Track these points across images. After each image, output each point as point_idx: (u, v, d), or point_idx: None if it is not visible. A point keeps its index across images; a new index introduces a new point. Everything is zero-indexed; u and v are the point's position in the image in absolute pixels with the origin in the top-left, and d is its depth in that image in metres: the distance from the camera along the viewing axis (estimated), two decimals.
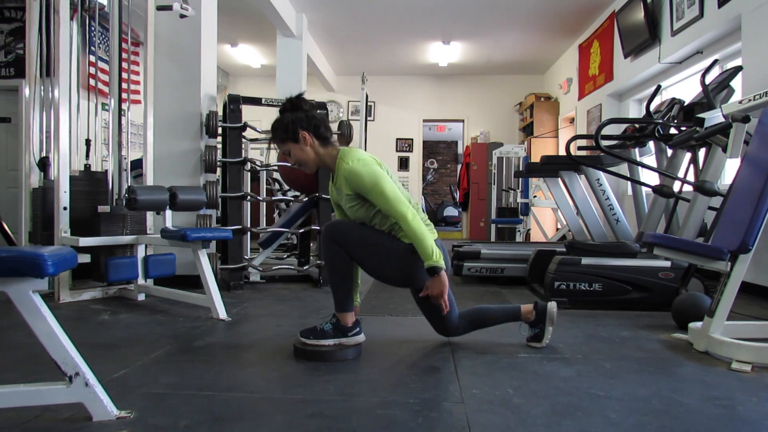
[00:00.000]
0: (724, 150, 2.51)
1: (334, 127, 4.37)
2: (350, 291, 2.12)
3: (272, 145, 2.32)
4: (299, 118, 2.05)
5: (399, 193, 1.99)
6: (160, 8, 3.71)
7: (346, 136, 4.21)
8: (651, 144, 3.98)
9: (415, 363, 2.04)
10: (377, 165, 2.03)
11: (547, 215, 8.23)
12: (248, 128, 3.96)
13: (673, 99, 3.79)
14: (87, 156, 3.86)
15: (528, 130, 9.15)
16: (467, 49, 8.38)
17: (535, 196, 7.04)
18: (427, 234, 1.97)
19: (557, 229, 7.30)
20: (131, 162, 3.83)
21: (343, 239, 2.05)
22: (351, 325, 2.11)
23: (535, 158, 7.53)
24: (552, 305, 2.23)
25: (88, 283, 3.52)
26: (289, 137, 2.06)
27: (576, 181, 4.23)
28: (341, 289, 2.10)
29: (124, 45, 3.64)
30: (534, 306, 2.23)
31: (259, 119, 4.12)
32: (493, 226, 8.15)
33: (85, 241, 3.12)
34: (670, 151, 3.70)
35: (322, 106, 4.22)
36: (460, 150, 13.56)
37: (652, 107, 3.74)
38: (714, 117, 2.88)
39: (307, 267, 4.13)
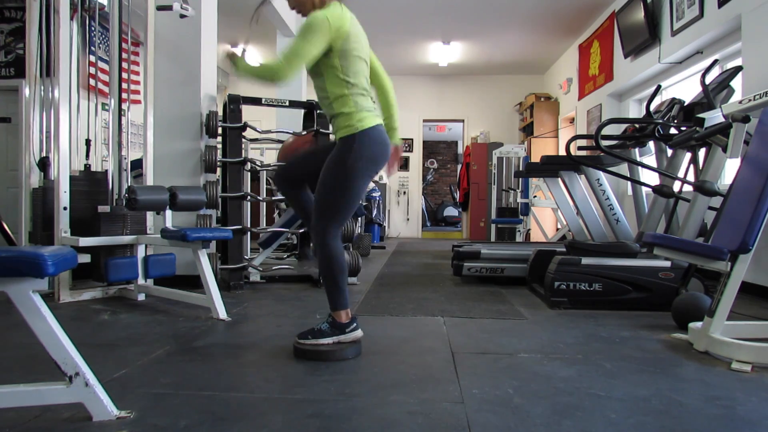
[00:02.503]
0: (724, 150, 2.51)
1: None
2: (344, 287, 2.13)
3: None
4: None
5: (302, 52, 1.95)
6: (160, 8, 3.71)
7: None
8: (651, 144, 3.98)
9: (415, 363, 2.04)
10: (326, 23, 1.97)
11: (547, 215, 8.23)
12: (248, 128, 3.96)
13: (673, 99, 3.79)
14: (87, 156, 3.86)
15: (528, 130, 9.15)
16: (467, 49, 8.38)
17: (535, 196, 7.04)
18: (255, 73, 2.00)
19: (557, 229, 7.30)
20: (131, 162, 3.83)
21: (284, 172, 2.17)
22: (347, 322, 2.12)
23: (535, 158, 7.53)
24: (360, 333, 2.15)
25: (88, 283, 3.52)
26: None
27: (576, 181, 4.23)
28: (334, 285, 2.12)
29: (124, 45, 3.64)
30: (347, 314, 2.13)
31: (259, 119, 4.13)
32: (493, 226, 8.15)
33: (85, 241, 3.12)
34: (670, 151, 3.70)
35: None
36: (460, 150, 13.56)
37: (652, 107, 3.74)
38: (714, 117, 2.88)
39: (307, 267, 4.12)
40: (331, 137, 2.19)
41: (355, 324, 2.14)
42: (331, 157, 2.06)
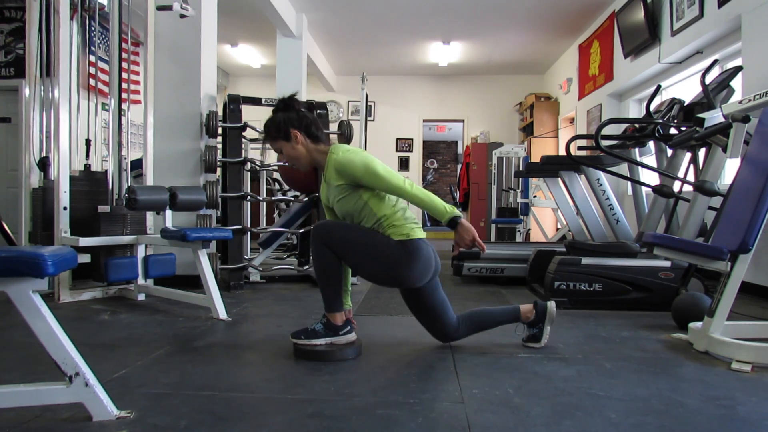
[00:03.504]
0: (724, 150, 2.51)
1: (333, 127, 4.39)
2: (339, 291, 2.13)
3: (266, 145, 2.36)
4: (290, 118, 2.09)
5: (391, 170, 2.01)
6: (160, 8, 3.71)
7: (345, 135, 4.22)
8: (651, 144, 3.98)
9: (415, 363, 2.04)
10: (362, 152, 2.05)
11: (547, 215, 8.23)
12: (248, 128, 3.96)
13: (673, 99, 3.79)
14: (87, 156, 3.86)
15: (528, 130, 9.15)
16: (467, 49, 8.38)
17: (535, 196, 7.04)
18: (431, 195, 1.98)
19: (557, 229, 7.30)
20: (131, 162, 3.83)
21: (330, 238, 2.04)
22: (341, 324, 2.12)
23: (535, 158, 7.53)
24: (552, 305, 2.24)
25: (88, 283, 3.52)
26: (280, 136, 2.10)
27: (576, 181, 4.23)
28: (330, 289, 2.11)
29: (124, 45, 3.64)
30: (534, 305, 2.23)
31: (259, 119, 4.10)
32: (493, 226, 8.15)
33: (85, 241, 3.12)
34: (670, 151, 3.70)
35: (322, 106, 4.22)
36: (460, 150, 13.56)
37: (652, 107, 3.74)
38: (714, 117, 2.88)
39: (307, 267, 4.13)
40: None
41: (349, 327, 2.13)
42: (384, 254, 2.04)
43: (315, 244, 2.07)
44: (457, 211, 1.98)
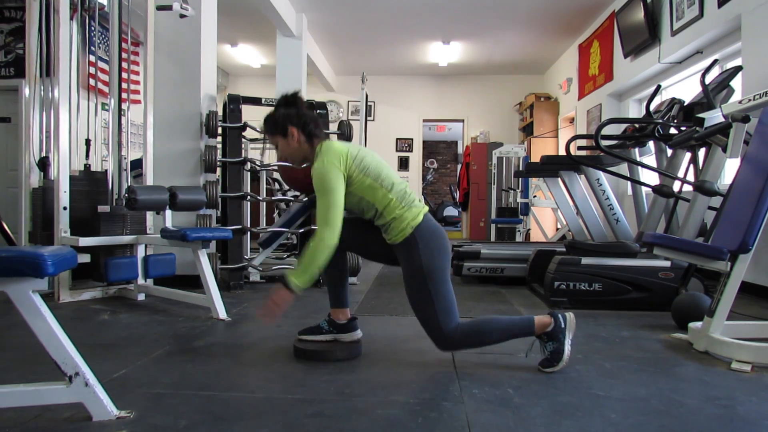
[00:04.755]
0: (724, 150, 2.51)
1: (333, 127, 4.39)
2: (343, 288, 2.14)
3: (266, 145, 2.35)
4: (290, 115, 2.10)
5: (335, 215, 1.93)
6: (160, 8, 3.71)
7: (345, 135, 4.21)
8: (651, 144, 3.98)
9: (415, 363, 2.04)
10: (335, 169, 1.95)
11: (547, 215, 8.23)
12: (248, 128, 3.96)
13: (673, 99, 3.79)
14: (87, 156, 3.86)
15: (528, 130, 9.15)
16: (467, 49, 8.38)
17: (535, 196, 7.04)
18: (314, 263, 1.88)
19: (557, 229, 7.30)
20: (131, 162, 3.83)
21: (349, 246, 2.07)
22: (346, 322, 2.14)
23: (535, 158, 7.53)
24: (572, 316, 1.97)
25: (88, 283, 3.52)
26: (278, 131, 2.11)
27: (576, 181, 4.23)
28: (332, 286, 2.14)
29: (124, 45, 3.64)
30: (551, 315, 1.95)
31: (259, 119, 4.10)
32: (493, 226, 8.15)
33: (85, 241, 3.12)
34: (670, 151, 3.70)
35: (322, 106, 4.22)
36: (460, 150, 13.56)
37: (652, 107, 3.74)
38: (714, 117, 2.88)
39: None
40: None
41: (353, 324, 2.15)
42: (405, 271, 1.99)
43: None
44: (296, 283, 1.85)
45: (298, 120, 2.09)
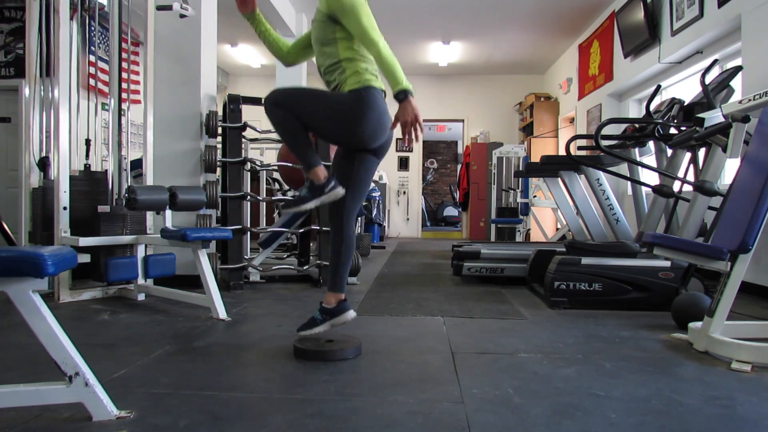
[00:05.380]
0: (724, 150, 2.51)
1: None
2: (310, 147, 2.11)
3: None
4: None
5: (374, 23, 1.96)
6: (160, 8, 3.71)
7: None
8: (651, 144, 3.98)
9: (415, 363, 2.04)
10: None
11: (547, 215, 8.23)
12: (248, 128, 3.96)
13: (673, 99, 3.79)
14: (87, 156, 3.86)
15: (528, 130, 9.15)
16: (467, 49, 8.38)
17: (535, 196, 7.04)
18: (396, 61, 1.92)
19: (557, 229, 7.30)
20: (131, 162, 3.83)
21: (282, 98, 2.03)
22: (336, 305, 2.14)
23: (535, 158, 7.53)
24: (352, 314, 2.16)
25: (88, 283, 3.52)
26: None
27: (576, 181, 4.23)
28: (302, 148, 2.09)
29: (124, 45, 3.64)
30: (340, 300, 2.14)
31: (259, 119, 4.10)
32: (493, 226, 8.15)
33: (85, 241, 3.12)
34: (670, 151, 3.70)
35: None
36: (460, 150, 13.56)
37: (652, 107, 3.74)
38: (714, 117, 2.88)
39: (307, 267, 4.13)
40: None
41: (333, 183, 2.09)
42: (337, 104, 2.03)
43: (270, 108, 2.04)
44: (410, 87, 1.91)
45: None
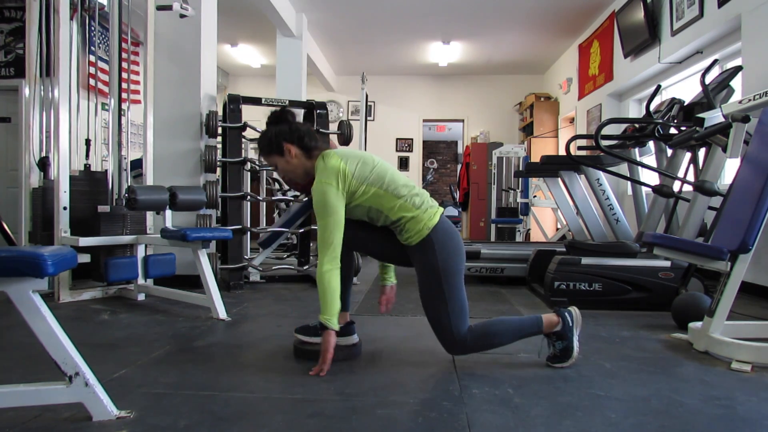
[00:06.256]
0: (724, 150, 2.51)
1: (333, 127, 4.39)
2: (346, 290, 2.10)
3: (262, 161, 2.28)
4: (282, 131, 2.02)
5: (335, 236, 1.89)
6: (160, 8, 3.71)
7: (345, 136, 4.22)
8: (651, 144, 3.98)
9: (415, 363, 2.04)
10: (333, 188, 1.91)
11: (547, 215, 8.23)
12: (248, 128, 3.96)
13: (673, 99, 3.79)
14: (87, 156, 3.86)
15: (528, 130, 9.15)
16: (467, 49, 8.38)
17: (535, 196, 7.05)
18: (330, 292, 1.85)
19: (557, 229, 7.30)
20: (131, 162, 3.83)
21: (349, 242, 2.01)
22: (343, 325, 2.07)
23: (535, 158, 7.53)
24: (578, 312, 2.01)
25: (88, 282, 3.52)
26: (273, 150, 2.04)
27: (576, 181, 4.23)
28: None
29: (124, 45, 3.64)
30: (557, 313, 1.98)
31: (259, 119, 4.10)
32: (493, 226, 8.15)
33: (85, 241, 3.12)
34: (670, 151, 3.70)
35: (322, 106, 4.22)
36: (460, 150, 13.56)
37: (652, 107, 3.74)
38: (714, 117, 2.88)
39: (307, 267, 4.13)
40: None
41: (350, 328, 2.10)
42: (420, 272, 1.96)
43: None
44: (332, 322, 1.85)
45: (291, 135, 2.02)
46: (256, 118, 4.16)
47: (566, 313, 1.98)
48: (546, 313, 2.04)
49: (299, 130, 2.03)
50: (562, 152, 4.52)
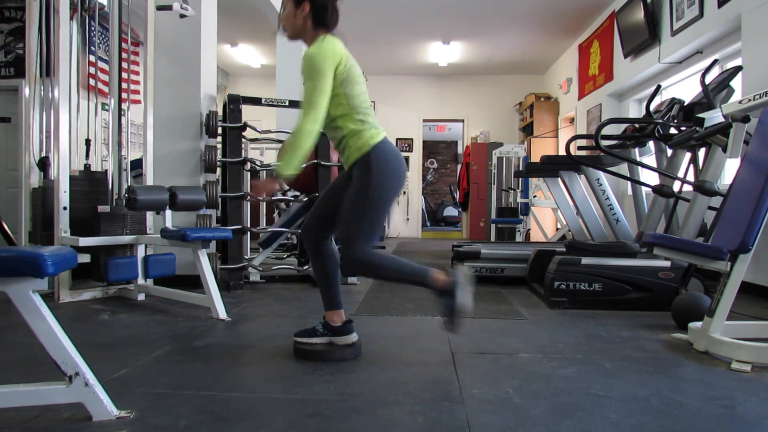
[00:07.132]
0: (724, 150, 2.51)
1: None
2: (335, 288, 2.12)
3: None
4: None
5: (320, 100, 1.90)
6: (160, 8, 3.71)
7: None
8: (651, 144, 3.98)
9: (415, 363, 2.04)
10: (330, 59, 1.92)
11: (547, 215, 8.23)
12: (248, 128, 3.96)
13: (673, 99, 3.79)
14: (87, 156, 3.86)
15: (528, 130, 9.15)
16: (467, 49, 8.38)
17: (535, 196, 7.04)
18: (302, 151, 1.88)
19: (557, 229, 7.30)
20: (131, 162, 3.83)
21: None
22: (341, 324, 2.10)
23: (535, 158, 7.53)
24: (466, 268, 2.06)
25: (88, 282, 3.52)
26: None
27: (576, 181, 4.23)
28: (324, 288, 2.12)
29: (124, 45, 3.64)
30: (448, 273, 2.01)
31: (259, 119, 4.13)
32: (493, 226, 8.15)
33: (85, 241, 3.12)
34: (670, 151, 3.70)
35: None
36: (460, 150, 13.56)
37: (652, 107, 3.74)
38: (714, 117, 2.88)
39: (307, 267, 4.13)
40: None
41: (349, 327, 2.11)
42: (352, 188, 1.97)
43: (309, 248, 2.09)
44: (286, 171, 1.88)
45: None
46: (256, 118, 4.17)
47: (456, 272, 2.00)
48: (545, 312, 2.04)
49: (325, 2, 2.04)
50: (562, 152, 4.52)
